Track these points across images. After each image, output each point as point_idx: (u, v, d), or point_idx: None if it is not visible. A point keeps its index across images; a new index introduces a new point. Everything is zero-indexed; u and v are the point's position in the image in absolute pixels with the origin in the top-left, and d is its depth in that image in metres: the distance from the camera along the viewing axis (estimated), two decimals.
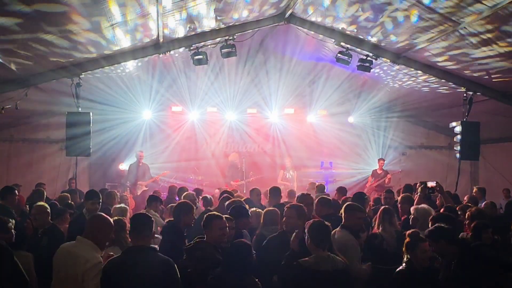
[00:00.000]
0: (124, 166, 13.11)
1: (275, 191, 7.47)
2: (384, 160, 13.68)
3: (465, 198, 8.32)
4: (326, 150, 14.69)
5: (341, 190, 9.04)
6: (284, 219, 5.13)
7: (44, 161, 12.73)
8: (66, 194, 8.65)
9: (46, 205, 6.07)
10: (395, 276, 4.43)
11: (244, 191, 11.84)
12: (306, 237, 4.27)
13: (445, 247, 4.40)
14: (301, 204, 5.33)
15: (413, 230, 4.66)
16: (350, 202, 5.68)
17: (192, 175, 13.57)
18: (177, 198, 8.94)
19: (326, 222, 4.42)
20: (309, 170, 14.03)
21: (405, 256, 4.52)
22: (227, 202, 6.34)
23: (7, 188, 7.07)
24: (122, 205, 7.03)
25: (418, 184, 7.03)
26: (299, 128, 14.57)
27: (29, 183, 10.45)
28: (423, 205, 6.17)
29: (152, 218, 4.06)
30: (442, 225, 4.56)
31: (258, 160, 14.50)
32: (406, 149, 15.00)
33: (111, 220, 4.23)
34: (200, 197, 8.31)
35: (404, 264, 4.48)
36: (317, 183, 10.66)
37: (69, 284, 3.77)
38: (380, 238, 5.57)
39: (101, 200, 6.68)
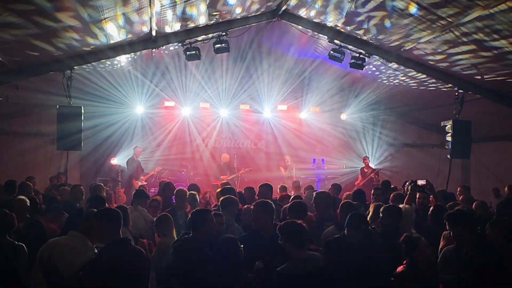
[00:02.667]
0: (116, 161, 13.07)
1: (265, 188, 7.28)
2: (367, 157, 13.77)
3: (460, 197, 8.27)
4: (319, 147, 14.75)
5: (336, 187, 8.98)
6: (252, 217, 5.02)
7: (35, 154, 12.60)
8: (66, 188, 8.56)
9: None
10: (395, 276, 4.27)
11: (237, 187, 11.81)
12: (281, 240, 4.16)
13: (463, 232, 4.35)
14: (268, 201, 5.19)
15: (404, 236, 4.50)
16: (346, 200, 5.85)
17: (184, 171, 13.56)
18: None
19: (298, 221, 4.33)
20: (301, 167, 14.02)
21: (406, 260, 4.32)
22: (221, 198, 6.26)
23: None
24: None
25: (408, 183, 6.86)
26: (291, 125, 14.58)
27: (19, 176, 10.31)
28: (404, 205, 5.98)
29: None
30: (465, 209, 4.51)
31: (250, 156, 14.49)
32: (398, 147, 15.05)
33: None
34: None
35: (405, 265, 4.28)
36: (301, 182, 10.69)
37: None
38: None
39: None
